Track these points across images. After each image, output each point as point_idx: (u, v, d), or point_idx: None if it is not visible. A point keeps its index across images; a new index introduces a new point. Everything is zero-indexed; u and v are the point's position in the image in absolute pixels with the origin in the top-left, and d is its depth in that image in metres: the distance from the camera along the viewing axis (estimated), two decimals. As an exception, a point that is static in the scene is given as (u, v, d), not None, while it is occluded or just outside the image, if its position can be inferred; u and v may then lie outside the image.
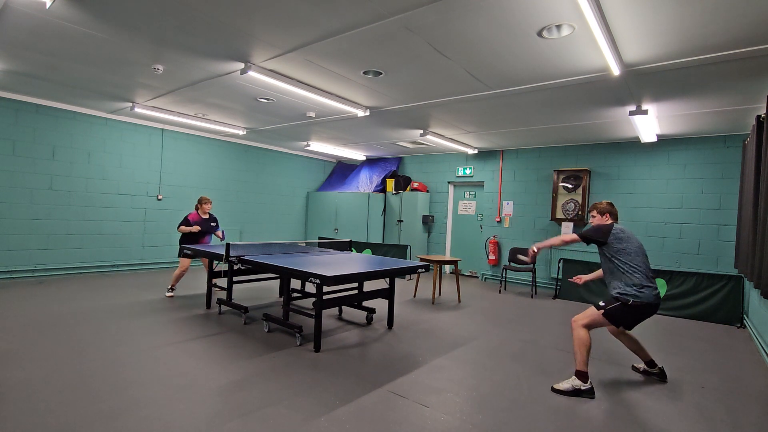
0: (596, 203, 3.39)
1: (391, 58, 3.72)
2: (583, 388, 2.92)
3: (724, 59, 3.35)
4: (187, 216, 5.50)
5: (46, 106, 6.10)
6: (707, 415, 2.73)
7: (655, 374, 3.35)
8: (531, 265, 6.95)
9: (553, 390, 2.98)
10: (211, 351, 3.48)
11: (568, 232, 7.05)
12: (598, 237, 3.15)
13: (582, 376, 2.94)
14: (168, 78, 4.65)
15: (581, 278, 3.58)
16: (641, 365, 3.47)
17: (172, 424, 2.30)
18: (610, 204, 3.35)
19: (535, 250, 3.29)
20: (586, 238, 3.18)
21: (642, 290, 2.97)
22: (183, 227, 5.39)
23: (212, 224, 5.70)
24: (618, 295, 3.02)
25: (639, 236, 6.52)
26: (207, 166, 8.09)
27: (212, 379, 2.93)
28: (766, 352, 3.92)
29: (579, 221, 6.95)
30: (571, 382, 2.95)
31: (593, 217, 3.38)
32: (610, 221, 3.30)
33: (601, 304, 3.07)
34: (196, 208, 5.63)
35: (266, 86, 4.71)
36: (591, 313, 3.07)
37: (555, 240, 3.25)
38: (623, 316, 3.01)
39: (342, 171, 10.57)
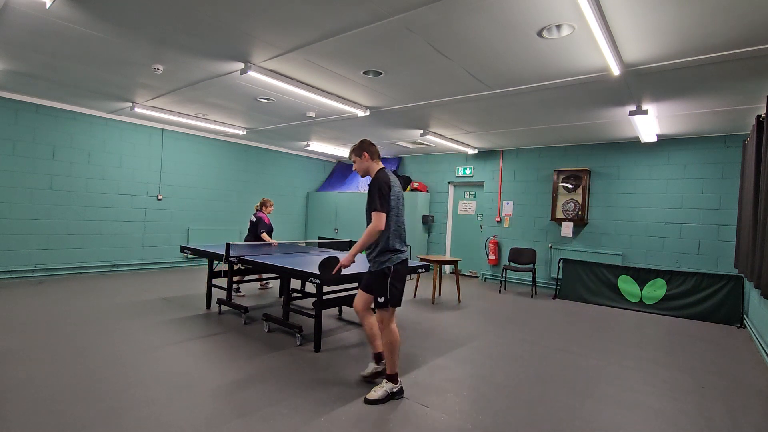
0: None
1: (391, 58, 3.72)
2: (395, 390, 2.75)
3: (724, 59, 3.35)
4: (263, 220, 5.73)
5: (46, 106, 6.10)
6: (707, 415, 2.73)
7: (379, 372, 2.98)
8: (532, 266, 6.95)
9: (368, 401, 2.68)
10: (211, 351, 3.48)
11: (567, 232, 7.05)
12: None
13: (394, 378, 2.76)
14: (168, 78, 4.65)
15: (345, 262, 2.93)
16: (369, 370, 3.03)
17: (172, 424, 2.30)
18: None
19: (346, 264, 2.86)
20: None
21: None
22: (266, 234, 5.67)
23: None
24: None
25: (639, 236, 6.53)
26: (207, 166, 8.09)
27: (212, 379, 2.93)
28: (766, 352, 3.92)
29: (579, 221, 6.95)
30: (385, 388, 2.72)
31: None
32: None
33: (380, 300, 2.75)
34: (257, 209, 5.86)
35: (266, 86, 4.71)
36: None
37: (361, 244, 2.75)
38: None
39: (342, 171, 10.57)
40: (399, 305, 2.82)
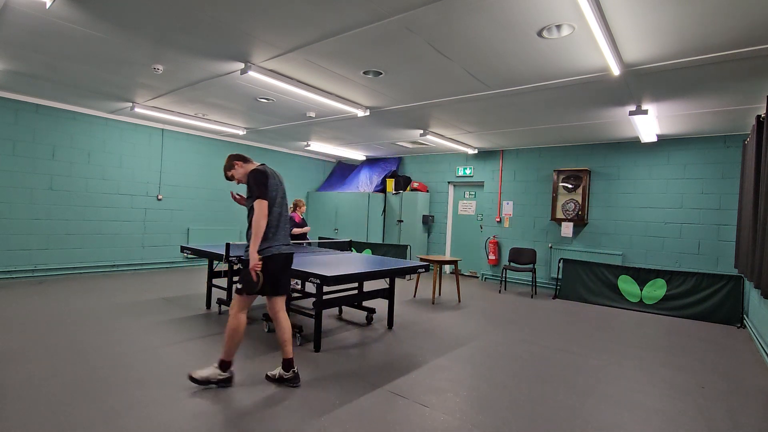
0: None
1: (391, 58, 3.72)
2: (220, 377, 2.75)
3: (724, 59, 3.35)
4: (293, 219, 5.96)
5: (46, 106, 6.10)
6: (707, 415, 2.73)
7: (288, 380, 2.87)
8: (532, 266, 6.95)
9: (191, 379, 2.71)
10: (211, 351, 3.48)
11: (567, 232, 7.05)
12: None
13: (225, 366, 2.76)
14: (168, 78, 4.65)
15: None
16: (277, 371, 2.92)
17: (172, 424, 2.30)
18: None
19: (258, 270, 2.76)
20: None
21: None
22: (295, 228, 5.91)
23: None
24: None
25: (639, 236, 6.53)
26: (207, 166, 8.09)
27: (212, 379, 2.92)
28: (766, 352, 3.92)
29: (579, 221, 6.95)
30: (209, 372, 2.74)
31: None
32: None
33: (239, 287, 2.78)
34: (291, 210, 6.04)
35: (266, 86, 4.71)
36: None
37: (255, 237, 2.73)
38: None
39: (342, 171, 10.57)
40: (256, 291, 2.80)
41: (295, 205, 6.08)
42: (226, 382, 2.79)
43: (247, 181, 2.85)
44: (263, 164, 2.96)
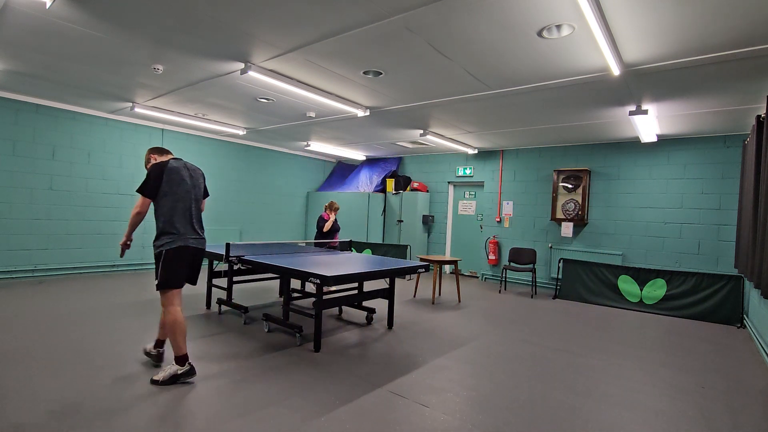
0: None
1: (391, 58, 3.72)
2: (180, 371, 2.79)
3: (724, 59, 3.35)
4: (321, 218, 6.26)
5: (46, 106, 6.10)
6: (707, 415, 2.73)
7: (153, 355, 3.11)
8: (532, 266, 6.96)
9: (153, 382, 2.77)
10: (211, 351, 3.48)
11: (567, 232, 7.05)
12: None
13: (180, 360, 2.81)
14: (168, 78, 4.65)
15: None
16: (150, 346, 3.17)
17: (172, 423, 2.30)
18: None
19: (128, 244, 2.99)
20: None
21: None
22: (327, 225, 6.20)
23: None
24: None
25: (639, 236, 6.53)
26: (207, 166, 8.09)
27: (212, 379, 2.92)
28: (766, 352, 3.92)
29: (579, 221, 6.95)
30: (170, 370, 2.79)
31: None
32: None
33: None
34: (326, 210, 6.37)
35: (266, 86, 4.71)
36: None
37: (128, 227, 2.91)
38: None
39: (342, 171, 10.57)
40: (178, 287, 2.90)
41: (328, 206, 6.32)
42: (189, 374, 2.83)
43: None
44: (177, 159, 3.04)
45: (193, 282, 3.07)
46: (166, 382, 2.76)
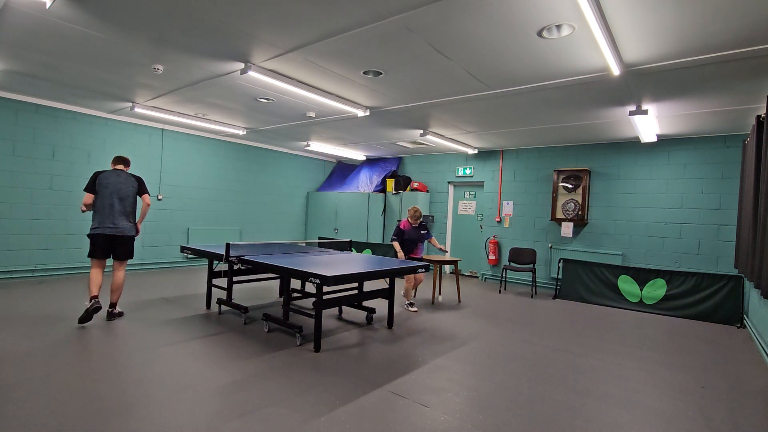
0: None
1: (391, 58, 3.72)
2: (88, 306, 3.95)
3: (724, 59, 3.35)
4: (398, 226, 5.46)
5: (46, 106, 6.10)
6: (707, 415, 2.73)
7: (116, 314, 4.29)
8: (532, 266, 6.96)
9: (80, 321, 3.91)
10: (211, 351, 3.48)
11: (567, 232, 7.05)
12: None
13: (91, 299, 4.03)
14: (168, 78, 4.65)
15: None
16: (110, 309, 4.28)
17: (172, 424, 2.30)
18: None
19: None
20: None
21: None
22: (396, 242, 5.36)
23: (422, 232, 5.48)
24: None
25: (639, 236, 6.53)
26: (207, 166, 8.09)
27: (212, 379, 2.93)
28: (766, 352, 3.92)
29: (579, 221, 6.95)
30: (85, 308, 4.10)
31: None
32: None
33: None
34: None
35: (266, 86, 4.71)
36: None
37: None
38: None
39: (342, 171, 10.57)
40: (93, 257, 4.17)
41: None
42: (94, 308, 3.90)
43: None
44: (111, 170, 4.33)
45: (117, 258, 4.29)
46: (82, 319, 3.88)
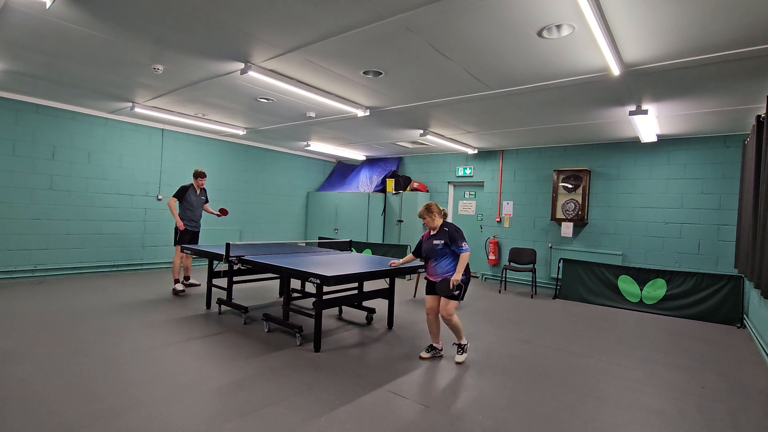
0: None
1: (391, 58, 3.72)
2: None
3: (724, 59, 3.35)
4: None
5: (46, 106, 6.10)
6: (707, 415, 2.73)
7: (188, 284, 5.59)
8: (532, 266, 6.96)
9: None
10: (211, 351, 3.48)
11: (567, 232, 7.05)
12: None
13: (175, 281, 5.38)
14: (168, 78, 4.65)
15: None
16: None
17: (172, 423, 2.30)
18: None
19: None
20: None
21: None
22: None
23: (435, 242, 3.52)
24: None
25: (639, 236, 6.53)
26: (207, 166, 8.08)
27: (212, 379, 2.93)
28: (766, 352, 3.92)
29: (579, 221, 6.95)
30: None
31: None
32: None
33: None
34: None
35: (266, 86, 4.71)
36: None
37: None
38: None
39: (342, 171, 10.57)
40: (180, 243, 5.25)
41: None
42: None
43: None
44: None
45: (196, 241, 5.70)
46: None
